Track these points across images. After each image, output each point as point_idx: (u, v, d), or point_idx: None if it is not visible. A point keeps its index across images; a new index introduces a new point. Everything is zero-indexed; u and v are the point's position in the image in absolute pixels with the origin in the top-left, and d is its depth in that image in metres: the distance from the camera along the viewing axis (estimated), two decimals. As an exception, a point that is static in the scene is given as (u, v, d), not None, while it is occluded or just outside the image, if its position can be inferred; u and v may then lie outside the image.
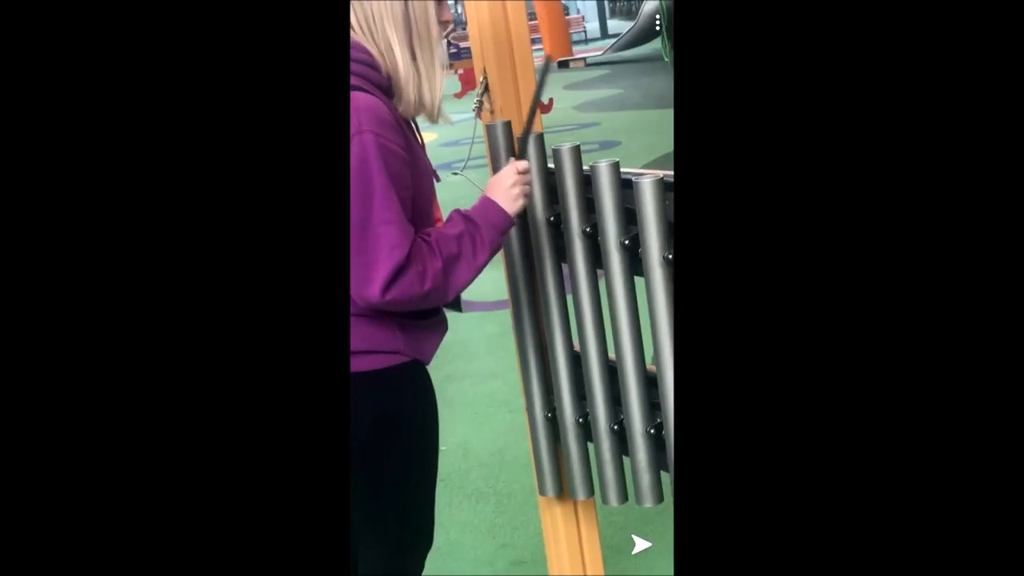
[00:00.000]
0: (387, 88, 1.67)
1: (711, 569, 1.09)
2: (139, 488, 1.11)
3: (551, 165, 1.92)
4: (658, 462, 1.89)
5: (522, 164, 1.77)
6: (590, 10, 22.68)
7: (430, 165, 1.77)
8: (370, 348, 1.68)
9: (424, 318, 1.75)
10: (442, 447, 2.96)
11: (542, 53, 15.13)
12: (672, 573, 2.57)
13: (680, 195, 1.11)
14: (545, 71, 1.88)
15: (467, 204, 1.77)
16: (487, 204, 1.72)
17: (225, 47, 1.14)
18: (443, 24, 1.72)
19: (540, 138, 1.94)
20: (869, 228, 1.05)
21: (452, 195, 2.08)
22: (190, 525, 1.12)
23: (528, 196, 1.79)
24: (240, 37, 1.14)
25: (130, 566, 1.11)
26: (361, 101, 1.59)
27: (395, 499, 1.83)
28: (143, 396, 1.11)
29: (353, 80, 1.61)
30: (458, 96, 2.13)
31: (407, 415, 1.79)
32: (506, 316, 2.22)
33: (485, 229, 1.69)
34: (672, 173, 1.76)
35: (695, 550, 1.10)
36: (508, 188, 1.74)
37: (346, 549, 1.19)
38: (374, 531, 1.85)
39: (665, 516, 2.73)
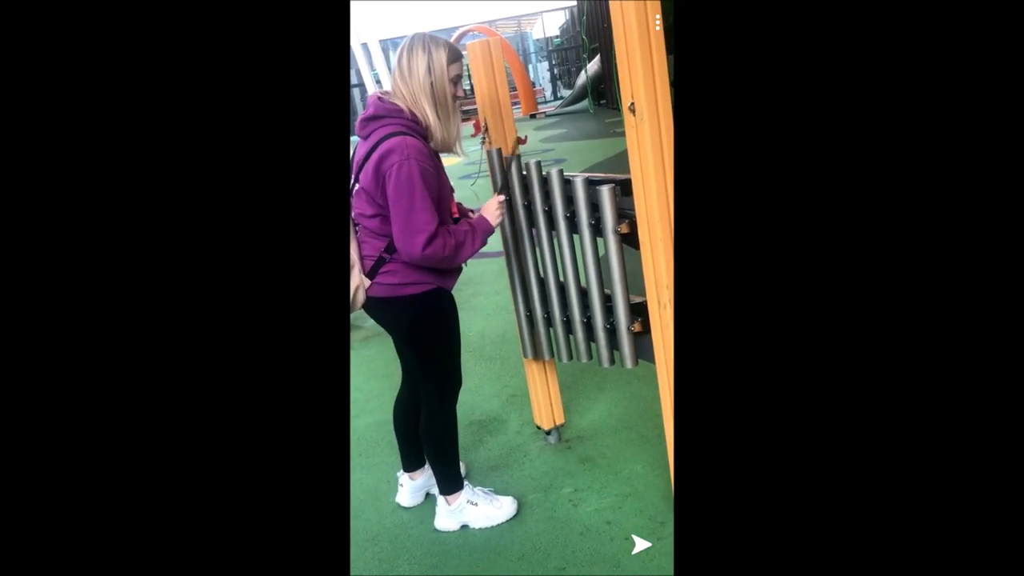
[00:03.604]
0: (424, 134, 1.72)
1: (711, 568, 0.75)
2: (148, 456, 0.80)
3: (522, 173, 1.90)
4: (611, 343, 1.89)
5: (501, 198, 1.84)
6: (547, 83, 22.55)
7: (448, 180, 1.79)
8: (413, 282, 1.76)
9: (448, 267, 1.81)
10: (469, 332, 3.01)
11: (520, 109, 15.02)
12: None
13: (680, 190, 0.91)
14: (509, 165, 1.94)
15: (473, 202, 1.77)
16: (481, 219, 1.81)
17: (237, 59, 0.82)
18: (457, 97, 1.75)
19: (518, 160, 1.95)
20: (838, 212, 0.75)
21: (464, 194, 2.11)
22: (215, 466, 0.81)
23: (503, 216, 1.86)
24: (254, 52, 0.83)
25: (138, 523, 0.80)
26: (409, 140, 1.65)
27: (437, 359, 1.89)
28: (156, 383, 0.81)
29: (403, 128, 1.67)
30: (473, 135, 2.18)
31: (436, 316, 1.83)
32: (502, 260, 2.20)
33: (479, 232, 1.77)
34: (596, 175, 1.79)
35: (695, 550, 0.76)
36: (494, 211, 1.82)
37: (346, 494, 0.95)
38: (429, 378, 1.91)
39: (596, 369, 2.75)
